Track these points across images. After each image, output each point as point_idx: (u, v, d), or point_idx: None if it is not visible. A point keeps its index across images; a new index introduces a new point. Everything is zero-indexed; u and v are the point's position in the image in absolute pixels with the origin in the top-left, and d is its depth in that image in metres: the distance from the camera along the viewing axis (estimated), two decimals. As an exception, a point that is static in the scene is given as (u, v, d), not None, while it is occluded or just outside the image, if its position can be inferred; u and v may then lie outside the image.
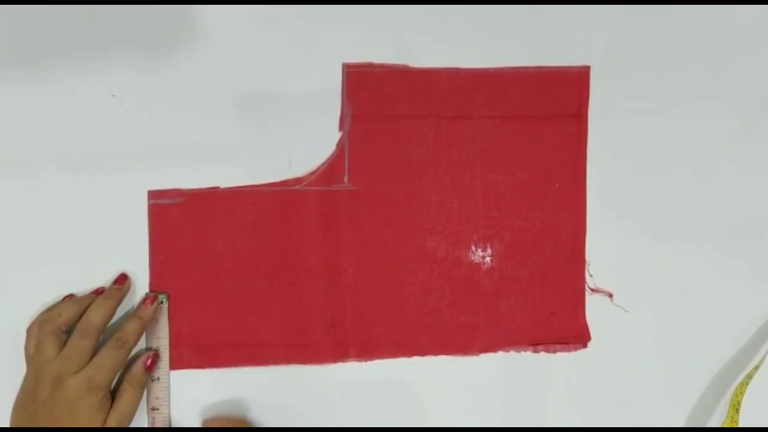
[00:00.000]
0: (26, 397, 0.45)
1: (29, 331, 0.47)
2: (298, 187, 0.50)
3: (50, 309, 0.47)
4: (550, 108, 0.51)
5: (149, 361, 0.48)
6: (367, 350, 0.50)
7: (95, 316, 0.46)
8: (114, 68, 0.49)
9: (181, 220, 0.49)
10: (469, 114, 0.51)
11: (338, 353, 0.50)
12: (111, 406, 0.46)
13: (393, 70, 0.50)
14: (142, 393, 0.48)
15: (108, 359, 0.46)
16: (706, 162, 0.52)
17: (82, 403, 0.44)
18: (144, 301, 0.48)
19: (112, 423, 0.45)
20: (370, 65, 0.50)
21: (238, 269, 0.50)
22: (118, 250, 0.49)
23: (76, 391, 0.44)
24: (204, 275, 0.49)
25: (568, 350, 0.51)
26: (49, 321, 0.46)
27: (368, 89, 0.50)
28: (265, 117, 0.50)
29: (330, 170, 0.50)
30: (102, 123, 0.49)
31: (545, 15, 0.50)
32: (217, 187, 0.50)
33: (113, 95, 0.49)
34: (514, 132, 0.51)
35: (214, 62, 0.49)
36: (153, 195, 0.49)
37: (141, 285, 0.49)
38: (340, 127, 0.50)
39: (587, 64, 0.51)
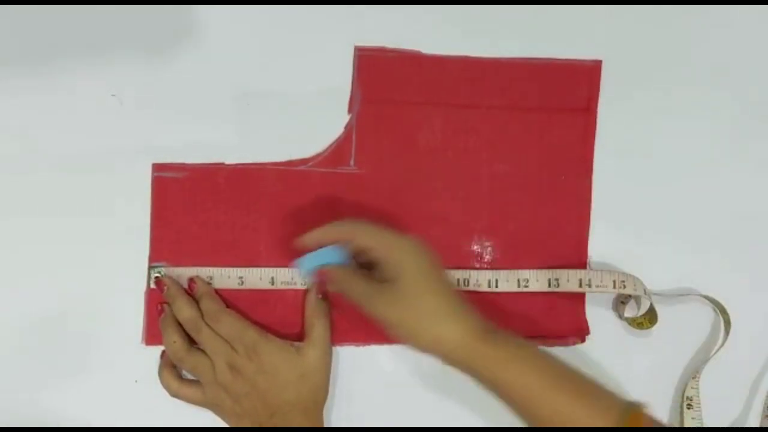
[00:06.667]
0: (235, 410, 0.46)
1: (170, 391, 0.47)
2: (303, 167, 0.50)
3: (169, 348, 0.47)
4: (559, 100, 0.51)
5: (317, 288, 0.48)
6: (365, 334, 0.50)
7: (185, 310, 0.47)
8: (114, 68, 0.49)
9: (183, 195, 0.49)
10: (478, 103, 0.50)
11: (336, 336, 0.50)
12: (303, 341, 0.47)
13: (404, 56, 0.50)
14: (329, 321, 0.48)
15: (233, 325, 0.46)
16: (713, 160, 0.52)
17: (270, 360, 0.45)
18: (189, 285, 0.48)
19: (311, 354, 0.46)
20: (382, 50, 0.50)
21: (237, 247, 0.49)
22: (118, 247, 0.49)
23: (249, 368, 0.45)
24: (203, 251, 0.49)
25: (566, 344, 0.51)
26: (174, 361, 0.47)
27: (379, 73, 0.50)
28: (266, 114, 0.50)
29: (337, 152, 0.50)
30: (102, 122, 0.49)
31: (559, 8, 0.51)
32: (222, 164, 0.49)
33: (113, 95, 0.49)
34: (522, 123, 0.51)
35: (213, 62, 0.49)
36: (157, 168, 0.49)
37: (141, 267, 0.49)
38: (349, 110, 0.50)
39: (599, 58, 0.51)
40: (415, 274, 0.42)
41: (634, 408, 0.41)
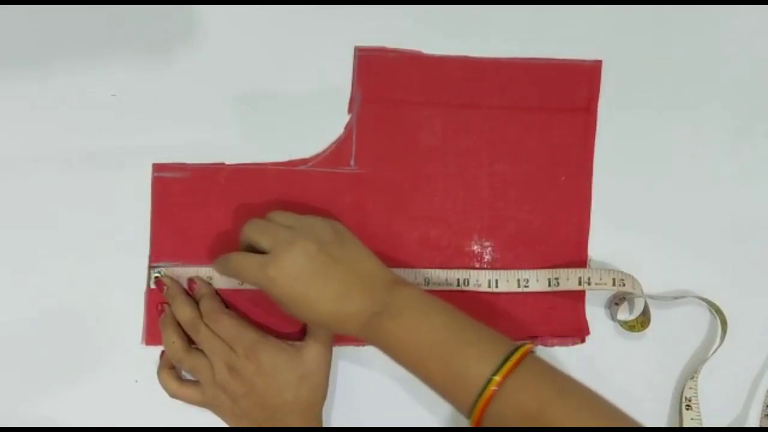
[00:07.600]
0: (236, 411, 0.46)
1: (169, 391, 0.47)
2: (303, 167, 0.50)
3: (168, 348, 0.47)
4: (560, 101, 0.51)
5: None
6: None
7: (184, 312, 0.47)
8: (114, 68, 0.49)
9: (184, 195, 0.49)
10: (478, 103, 0.50)
11: (336, 336, 0.49)
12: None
13: (404, 56, 0.50)
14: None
15: (232, 326, 0.46)
16: (713, 160, 0.52)
17: (269, 361, 0.45)
18: (189, 285, 0.49)
19: (310, 355, 0.46)
20: (382, 50, 0.50)
21: (237, 247, 0.49)
22: (118, 247, 0.49)
23: (248, 368, 0.45)
24: (203, 251, 0.49)
25: (566, 344, 0.51)
26: (173, 361, 0.47)
27: (379, 73, 0.50)
28: (266, 114, 0.50)
29: (337, 152, 0.50)
30: (102, 122, 0.49)
31: (559, 8, 0.51)
32: (222, 164, 0.49)
33: (113, 95, 0.49)
34: (522, 123, 0.51)
35: (214, 62, 0.49)
36: (157, 168, 0.49)
37: (141, 267, 0.49)
38: (349, 110, 0.50)
39: (599, 58, 0.51)
40: (285, 297, 0.43)
41: (525, 345, 0.41)
